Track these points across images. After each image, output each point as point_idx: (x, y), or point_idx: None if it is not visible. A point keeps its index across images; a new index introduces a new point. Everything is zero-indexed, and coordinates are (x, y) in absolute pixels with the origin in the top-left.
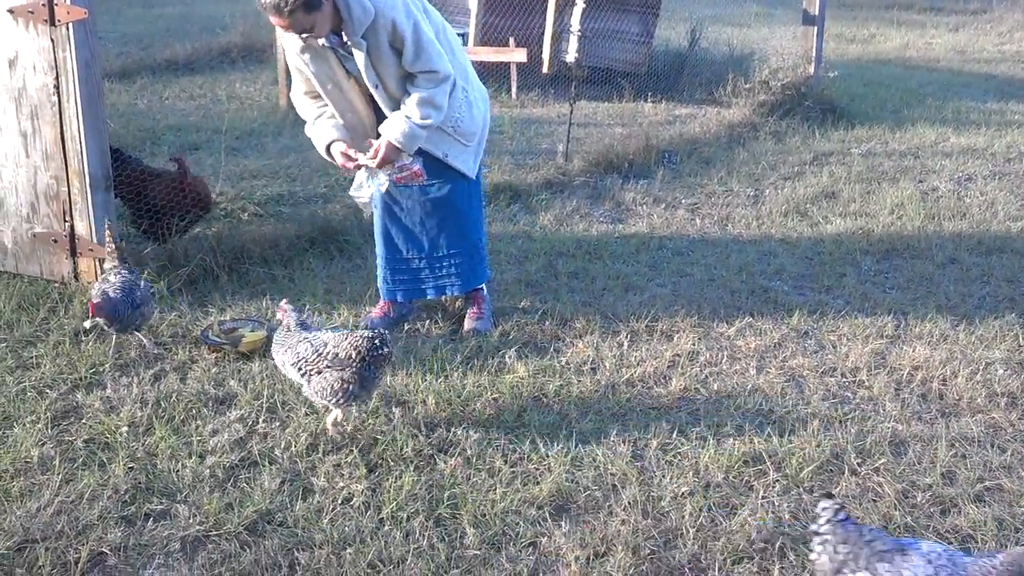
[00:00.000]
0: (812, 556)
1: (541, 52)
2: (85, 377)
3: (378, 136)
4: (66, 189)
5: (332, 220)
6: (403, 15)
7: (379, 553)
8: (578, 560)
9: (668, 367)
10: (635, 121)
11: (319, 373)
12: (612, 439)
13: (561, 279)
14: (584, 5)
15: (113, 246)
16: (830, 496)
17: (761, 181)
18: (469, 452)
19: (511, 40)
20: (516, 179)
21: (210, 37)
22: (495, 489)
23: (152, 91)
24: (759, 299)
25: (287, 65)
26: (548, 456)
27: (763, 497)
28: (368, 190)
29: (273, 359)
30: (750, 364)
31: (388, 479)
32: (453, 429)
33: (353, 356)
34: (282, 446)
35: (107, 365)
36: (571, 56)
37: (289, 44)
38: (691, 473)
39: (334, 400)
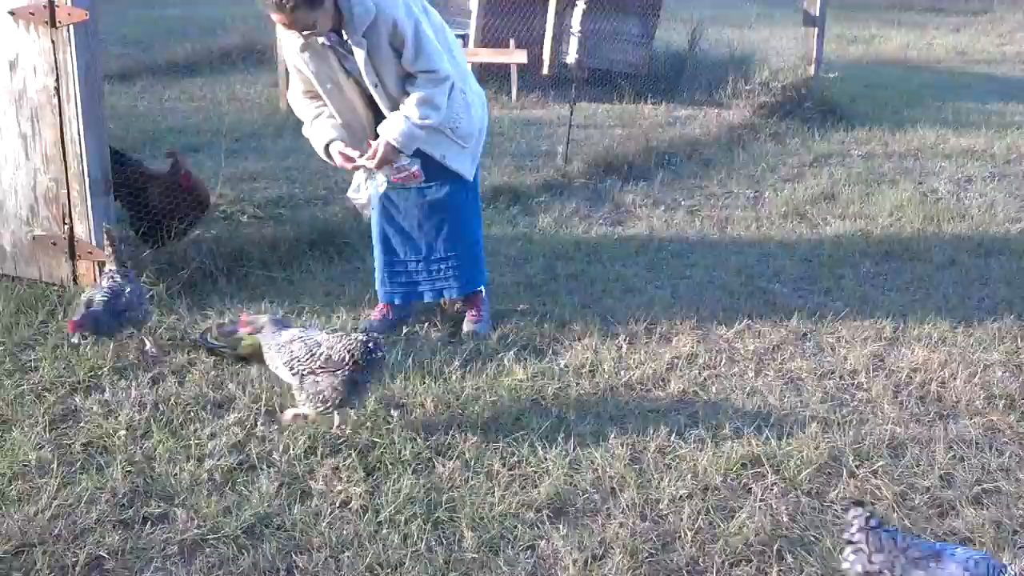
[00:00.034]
0: (844, 566)
1: (541, 53)
2: (83, 380)
3: (377, 136)
4: (66, 192)
5: (332, 223)
6: (404, 14)
7: (377, 556)
8: (576, 563)
9: (667, 369)
10: (635, 123)
11: (312, 374)
12: (610, 442)
13: (560, 281)
14: (584, 6)
15: (110, 249)
16: (860, 504)
17: (761, 183)
18: (467, 455)
19: (511, 41)
20: (516, 181)
21: (210, 39)
22: (493, 492)
23: (152, 93)
24: (758, 301)
25: (287, 67)
26: (546, 459)
27: (761, 500)
28: (366, 192)
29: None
30: (749, 366)
31: (386, 482)
32: (451, 432)
33: (346, 359)
34: (280, 449)
35: (105, 368)
36: (571, 57)
37: (289, 43)
38: (689, 476)
39: (322, 408)
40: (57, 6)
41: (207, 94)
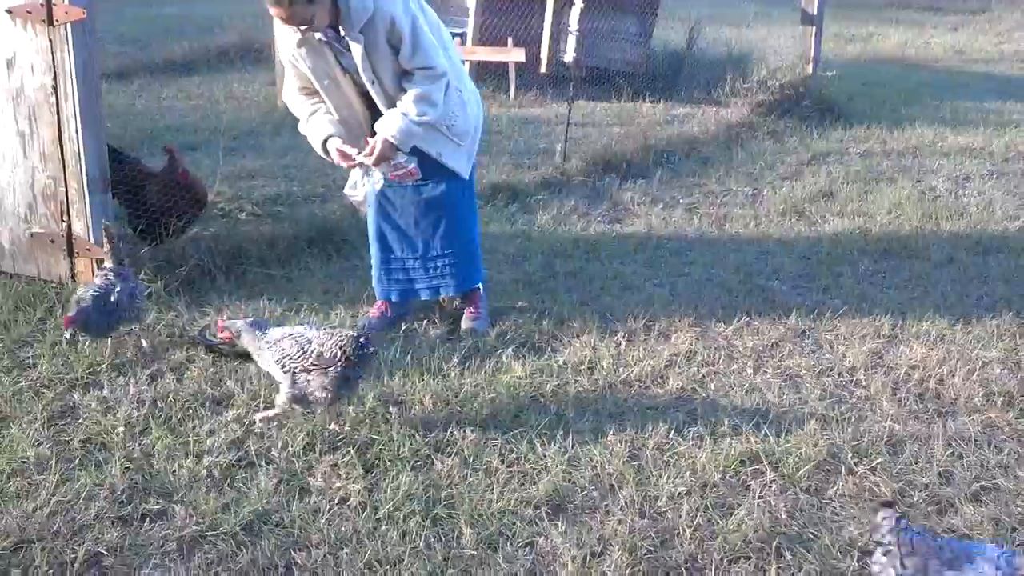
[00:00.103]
0: (874, 569)
1: (539, 52)
2: (82, 377)
3: (374, 133)
4: (63, 189)
5: (330, 220)
6: (401, 10)
7: (376, 553)
8: (575, 560)
9: (665, 367)
10: (633, 121)
11: (304, 371)
12: (609, 439)
13: (559, 279)
14: (582, 5)
15: (109, 247)
16: (890, 504)
17: (759, 181)
18: (466, 452)
19: (509, 40)
20: (514, 179)
21: (208, 38)
22: (492, 489)
23: (150, 91)
24: (757, 299)
25: (283, 64)
26: (545, 456)
27: (760, 497)
28: (363, 189)
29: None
30: (747, 364)
31: (385, 479)
32: (450, 429)
33: (338, 355)
34: (279, 446)
35: (104, 365)
36: (569, 56)
37: (285, 38)
38: (688, 473)
39: (315, 405)
40: (54, 4)
41: (205, 92)
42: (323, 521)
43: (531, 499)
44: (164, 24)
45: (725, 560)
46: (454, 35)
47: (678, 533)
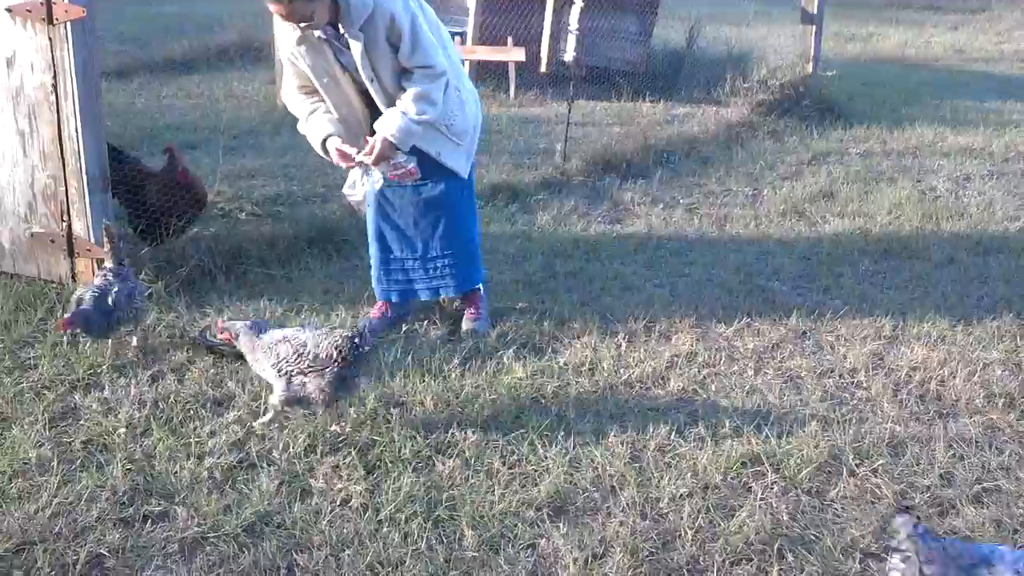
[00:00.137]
0: (892, 575)
1: (539, 51)
2: (83, 378)
3: (373, 132)
4: (64, 189)
5: (330, 220)
6: (401, 8)
7: (377, 555)
8: (576, 562)
9: (666, 368)
10: (633, 121)
11: (301, 374)
12: (610, 440)
13: (559, 279)
14: (582, 4)
15: (109, 246)
16: (907, 510)
17: (759, 181)
18: (467, 453)
19: (509, 39)
20: (514, 179)
21: (208, 36)
22: (493, 490)
23: (150, 90)
24: (757, 299)
25: (282, 62)
26: (546, 457)
27: (761, 498)
28: (362, 189)
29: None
30: (748, 365)
31: (386, 481)
32: (451, 430)
33: (334, 356)
34: (280, 448)
35: (105, 366)
36: (569, 55)
37: (285, 36)
38: (689, 474)
39: (313, 406)
40: (54, 3)
41: (205, 91)
42: (325, 523)
43: (532, 500)
44: (164, 22)
45: (727, 562)
46: (454, 34)
47: (679, 535)
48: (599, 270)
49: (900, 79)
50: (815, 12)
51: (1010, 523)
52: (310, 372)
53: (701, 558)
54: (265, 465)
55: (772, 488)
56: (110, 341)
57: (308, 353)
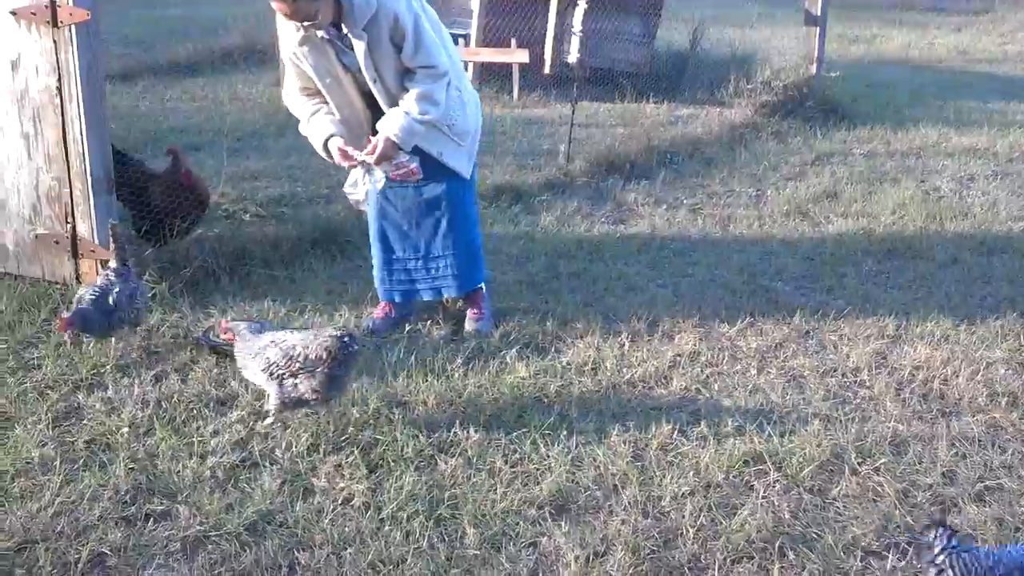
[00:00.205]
0: None
1: (543, 53)
2: (86, 378)
3: (375, 132)
4: (68, 191)
5: (334, 221)
6: (405, 8)
7: (379, 553)
8: (578, 560)
9: (669, 367)
10: (637, 122)
11: (292, 376)
12: (613, 439)
13: (562, 279)
14: (586, 6)
15: (113, 246)
16: (942, 523)
17: (763, 181)
18: (470, 452)
19: (513, 41)
20: (518, 180)
21: (212, 39)
22: (495, 489)
23: (154, 93)
24: (760, 299)
25: (285, 64)
26: (548, 456)
27: (763, 497)
28: (363, 188)
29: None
30: (751, 364)
31: (388, 479)
32: (454, 429)
33: (324, 357)
34: (282, 447)
35: (108, 366)
36: (573, 57)
37: (287, 37)
38: (691, 473)
39: (305, 407)
40: (59, 6)
41: (209, 94)
42: (327, 521)
43: (534, 499)
44: (168, 25)
45: (728, 560)
46: (457, 36)
47: (681, 533)
48: (602, 270)
49: (904, 80)
50: (819, 14)
51: (1012, 521)
52: (300, 373)
53: (702, 556)
54: (267, 464)
55: (774, 486)
56: (113, 341)
57: (298, 355)
